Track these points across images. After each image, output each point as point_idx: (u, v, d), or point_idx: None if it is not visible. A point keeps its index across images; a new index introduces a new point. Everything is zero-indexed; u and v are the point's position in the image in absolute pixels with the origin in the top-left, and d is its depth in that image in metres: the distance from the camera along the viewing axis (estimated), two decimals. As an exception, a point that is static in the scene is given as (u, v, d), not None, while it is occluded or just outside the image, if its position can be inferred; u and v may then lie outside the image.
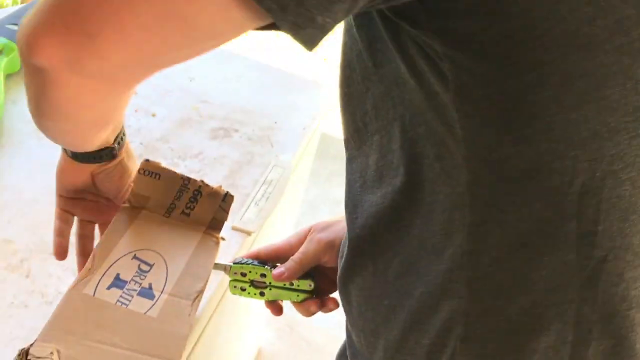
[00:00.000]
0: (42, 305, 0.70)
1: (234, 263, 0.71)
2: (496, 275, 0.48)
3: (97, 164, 0.66)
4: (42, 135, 0.97)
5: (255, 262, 0.71)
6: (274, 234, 1.04)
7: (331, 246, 0.69)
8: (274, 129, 1.10)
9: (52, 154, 0.91)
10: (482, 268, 0.47)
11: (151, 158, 0.70)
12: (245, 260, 0.72)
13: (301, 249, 0.70)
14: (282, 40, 0.48)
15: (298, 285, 0.70)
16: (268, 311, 0.74)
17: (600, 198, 0.44)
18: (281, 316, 0.74)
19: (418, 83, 0.45)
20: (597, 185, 0.44)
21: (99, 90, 0.46)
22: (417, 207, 0.49)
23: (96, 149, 0.64)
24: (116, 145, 0.64)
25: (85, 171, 0.67)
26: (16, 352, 0.51)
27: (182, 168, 0.94)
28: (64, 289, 0.72)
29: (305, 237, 0.71)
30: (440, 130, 0.46)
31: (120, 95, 0.52)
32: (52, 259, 0.76)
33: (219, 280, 0.76)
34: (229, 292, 0.81)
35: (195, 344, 0.75)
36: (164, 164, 0.69)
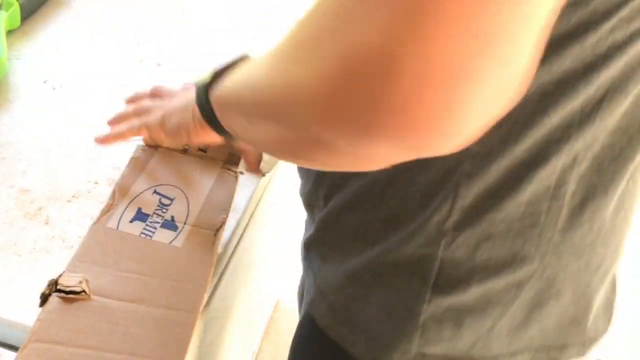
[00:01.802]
0: (64, 250, 0.70)
1: None
2: None
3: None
4: (49, 87, 0.96)
5: None
6: (288, 173, 1.04)
7: None
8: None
9: (58, 104, 0.90)
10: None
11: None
12: None
13: None
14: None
15: None
16: (284, 263, 0.73)
17: None
18: (297, 269, 0.73)
19: None
20: None
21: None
22: None
23: None
24: None
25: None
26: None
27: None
28: (84, 233, 0.73)
29: None
30: None
31: None
32: (70, 206, 0.76)
33: (232, 228, 0.75)
34: (243, 242, 0.80)
35: (213, 292, 0.75)
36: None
